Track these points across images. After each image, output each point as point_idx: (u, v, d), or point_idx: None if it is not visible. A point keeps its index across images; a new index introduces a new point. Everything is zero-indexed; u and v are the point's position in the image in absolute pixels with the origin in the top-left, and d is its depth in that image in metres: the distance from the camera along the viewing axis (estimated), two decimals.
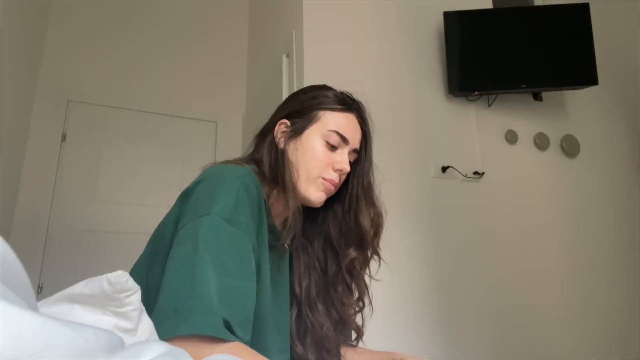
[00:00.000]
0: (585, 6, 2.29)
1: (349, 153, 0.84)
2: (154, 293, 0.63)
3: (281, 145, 0.83)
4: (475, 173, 2.16)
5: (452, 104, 2.25)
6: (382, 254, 0.89)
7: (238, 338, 0.56)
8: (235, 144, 3.01)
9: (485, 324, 1.97)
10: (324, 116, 0.83)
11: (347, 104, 0.85)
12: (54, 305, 0.50)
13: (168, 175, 2.82)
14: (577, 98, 2.53)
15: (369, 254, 0.87)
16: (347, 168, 0.82)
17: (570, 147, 2.42)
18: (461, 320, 1.94)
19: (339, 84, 0.92)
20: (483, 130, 2.27)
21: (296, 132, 0.82)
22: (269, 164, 0.81)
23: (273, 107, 0.92)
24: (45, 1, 2.74)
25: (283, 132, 0.84)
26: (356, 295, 0.89)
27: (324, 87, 0.89)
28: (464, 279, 2.01)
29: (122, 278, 0.49)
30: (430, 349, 1.83)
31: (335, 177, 0.81)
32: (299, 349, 0.84)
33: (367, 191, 0.87)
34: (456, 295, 1.97)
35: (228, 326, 0.56)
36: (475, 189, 2.15)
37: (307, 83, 1.93)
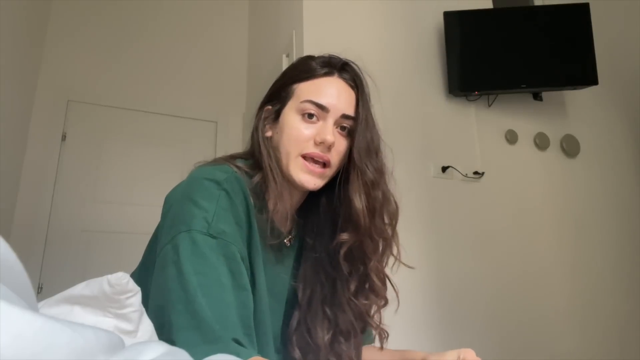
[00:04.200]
0: (585, 6, 2.29)
1: (338, 120, 0.73)
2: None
3: (268, 133, 0.77)
4: (475, 173, 2.16)
5: (452, 104, 2.25)
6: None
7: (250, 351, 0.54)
8: (235, 144, 3.01)
9: (486, 323, 1.97)
10: (297, 89, 0.75)
11: (328, 67, 0.77)
12: (54, 307, 0.49)
13: (168, 175, 2.80)
14: (577, 98, 2.52)
15: (378, 239, 0.76)
16: (329, 138, 0.70)
17: (570, 147, 2.42)
18: (461, 320, 1.94)
19: None
20: (483, 130, 2.27)
21: (275, 114, 0.77)
22: (254, 154, 0.76)
23: None
24: (45, 1, 2.74)
25: (265, 118, 0.78)
26: (373, 293, 0.80)
27: (305, 58, 0.81)
28: (464, 278, 2.00)
29: (123, 280, 0.49)
30: (429, 349, 1.83)
31: (318, 151, 0.71)
32: (296, 354, 0.76)
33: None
34: (456, 295, 1.97)
35: (237, 342, 0.54)
36: (475, 189, 2.15)
37: None
